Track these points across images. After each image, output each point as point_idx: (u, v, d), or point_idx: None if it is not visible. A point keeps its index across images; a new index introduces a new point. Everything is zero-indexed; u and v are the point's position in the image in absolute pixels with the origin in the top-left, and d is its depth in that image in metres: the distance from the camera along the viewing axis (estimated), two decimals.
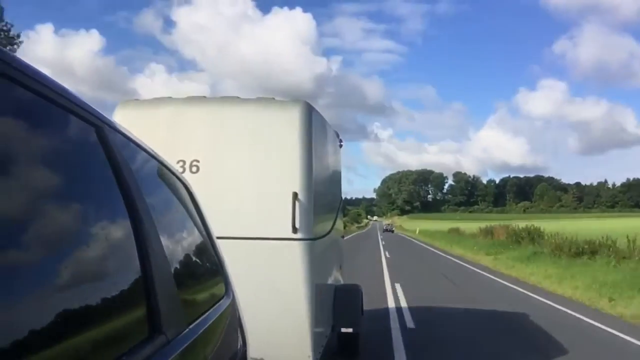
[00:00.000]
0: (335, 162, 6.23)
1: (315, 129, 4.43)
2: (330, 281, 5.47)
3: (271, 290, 4.07)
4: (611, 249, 16.90)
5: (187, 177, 4.17)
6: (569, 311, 10.20)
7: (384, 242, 39.93)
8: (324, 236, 4.85)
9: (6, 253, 0.79)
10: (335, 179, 6.20)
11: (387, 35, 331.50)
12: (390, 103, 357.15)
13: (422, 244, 41.83)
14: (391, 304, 10.41)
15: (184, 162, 4.18)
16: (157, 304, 1.25)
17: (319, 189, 4.59)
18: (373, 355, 6.39)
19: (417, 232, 65.36)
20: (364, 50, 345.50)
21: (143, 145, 1.56)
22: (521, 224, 30.26)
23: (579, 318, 9.54)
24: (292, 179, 4.13)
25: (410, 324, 8.36)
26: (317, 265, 4.31)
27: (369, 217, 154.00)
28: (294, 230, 4.06)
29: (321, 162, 4.81)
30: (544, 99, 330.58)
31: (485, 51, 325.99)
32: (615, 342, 7.78)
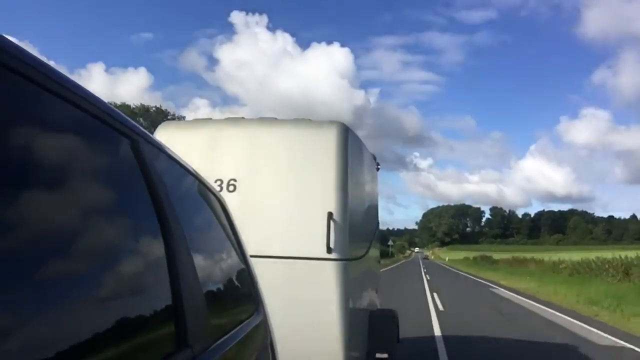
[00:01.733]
0: (372, 185, 6.18)
1: (351, 150, 4.42)
2: (365, 304, 5.38)
3: (304, 311, 4.02)
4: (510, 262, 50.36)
5: (224, 196, 4.23)
6: (461, 273, 46.73)
7: (422, 263, 72.91)
8: (359, 258, 4.78)
9: (37, 265, 0.80)
10: (371, 201, 6.15)
11: (425, 67, 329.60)
12: (429, 133, 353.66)
13: (443, 265, 76.69)
14: (422, 270, 46.45)
15: (222, 181, 4.23)
16: (185, 318, 1.24)
17: (355, 210, 4.55)
18: None
19: (446, 259, 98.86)
20: (402, 81, 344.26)
21: (179, 160, 1.57)
22: (496, 254, 70.37)
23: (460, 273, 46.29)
24: (327, 199, 4.11)
25: (423, 264, 64.47)
26: (351, 286, 4.25)
27: (411, 248, 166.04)
28: (329, 250, 4.02)
29: (357, 183, 4.78)
30: (586, 127, 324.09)
31: (524, 80, 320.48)
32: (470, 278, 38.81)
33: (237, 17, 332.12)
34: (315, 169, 4.23)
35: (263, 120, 4.70)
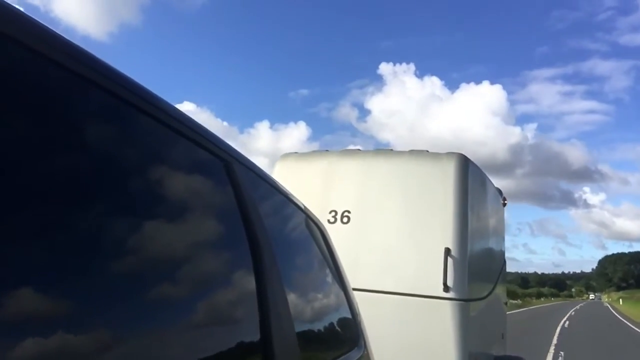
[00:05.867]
0: (497, 221, 5.79)
1: (472, 183, 4.18)
2: (488, 350, 4.98)
3: (417, 352, 3.79)
4: None
5: (339, 227, 4.20)
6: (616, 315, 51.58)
7: (593, 301, 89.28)
8: (481, 298, 4.45)
9: (125, 293, 0.79)
10: (496, 238, 5.74)
11: (588, 96, 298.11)
12: (597, 166, 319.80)
13: (598, 301, 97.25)
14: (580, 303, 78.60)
15: (336, 212, 4.21)
16: (273, 346, 1.19)
17: (476, 247, 4.26)
18: None
19: (608, 299, 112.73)
20: (562, 113, 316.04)
21: (276, 184, 1.55)
22: None
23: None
24: (444, 234, 3.90)
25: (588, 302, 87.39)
26: (471, 329, 3.94)
27: (588, 292, 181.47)
28: (446, 288, 3.78)
29: (478, 218, 4.49)
30: None
31: None
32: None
33: (385, 68, 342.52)
34: (432, 202, 4.05)
35: (379, 151, 4.64)
